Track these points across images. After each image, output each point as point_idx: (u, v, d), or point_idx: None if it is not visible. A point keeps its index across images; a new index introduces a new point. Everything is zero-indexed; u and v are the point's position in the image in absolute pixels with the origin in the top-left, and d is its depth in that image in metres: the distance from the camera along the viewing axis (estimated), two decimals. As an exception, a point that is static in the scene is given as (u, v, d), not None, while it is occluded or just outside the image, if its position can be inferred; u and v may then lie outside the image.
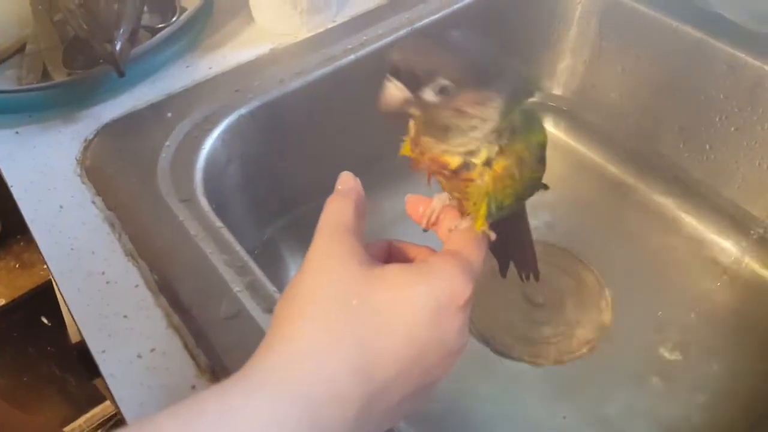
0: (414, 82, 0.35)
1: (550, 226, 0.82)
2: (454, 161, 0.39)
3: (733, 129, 0.76)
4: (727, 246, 0.80)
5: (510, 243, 0.51)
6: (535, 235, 0.75)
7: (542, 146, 0.42)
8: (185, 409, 0.31)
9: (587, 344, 0.72)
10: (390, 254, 0.44)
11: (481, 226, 0.41)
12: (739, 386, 0.68)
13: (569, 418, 0.66)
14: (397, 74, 0.35)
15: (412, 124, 0.41)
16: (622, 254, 0.80)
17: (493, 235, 0.43)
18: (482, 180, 0.39)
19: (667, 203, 0.84)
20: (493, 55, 0.37)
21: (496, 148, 0.38)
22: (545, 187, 0.46)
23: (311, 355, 0.34)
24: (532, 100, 0.41)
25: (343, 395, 0.33)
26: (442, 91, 0.35)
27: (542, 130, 0.42)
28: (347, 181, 0.42)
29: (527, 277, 0.55)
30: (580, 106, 0.93)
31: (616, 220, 0.85)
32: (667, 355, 0.71)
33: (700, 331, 0.72)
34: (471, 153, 0.38)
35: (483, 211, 0.40)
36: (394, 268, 0.37)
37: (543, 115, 0.95)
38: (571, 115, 0.94)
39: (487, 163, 0.38)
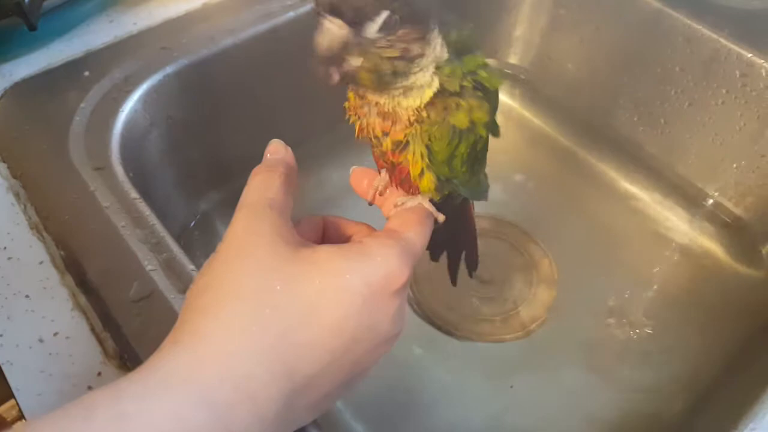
0: (355, 16, 0.31)
1: (501, 199, 0.79)
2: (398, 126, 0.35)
3: (687, 103, 0.74)
4: (678, 223, 0.78)
5: (458, 235, 0.47)
6: (485, 208, 0.73)
7: (491, 94, 0.37)
8: (70, 414, 0.27)
9: (534, 321, 0.69)
10: (325, 231, 0.41)
11: (424, 189, 0.38)
12: (684, 364, 0.66)
13: (516, 391, 0.64)
14: (335, 10, 0.31)
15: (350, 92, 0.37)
16: (574, 229, 0.78)
17: (441, 216, 0.40)
18: (422, 124, 0.35)
19: (621, 178, 0.82)
20: None
21: (436, 86, 0.34)
22: (496, 132, 0.41)
23: (221, 354, 0.30)
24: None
25: (259, 395, 0.30)
26: (387, 25, 0.31)
27: (497, 81, 0.38)
28: (277, 150, 0.38)
29: (470, 270, 0.51)
30: (536, 75, 0.90)
31: (569, 194, 0.82)
32: (614, 331, 0.69)
33: (649, 308, 0.71)
34: (416, 89, 0.34)
35: (419, 167, 0.37)
36: (324, 250, 0.33)
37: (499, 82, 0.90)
38: (527, 84, 0.91)
39: (430, 103, 0.35)
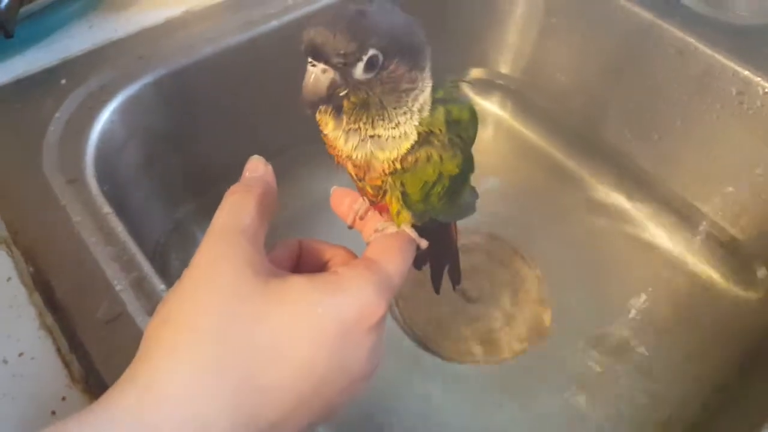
0: (342, 61, 0.30)
1: (490, 212, 0.78)
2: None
3: (681, 118, 0.72)
4: (671, 240, 0.76)
5: (440, 250, 0.46)
6: (471, 220, 0.71)
7: (465, 131, 0.36)
8: None
9: (522, 342, 0.68)
10: (301, 256, 0.39)
11: (401, 224, 0.37)
12: (674, 389, 0.65)
13: (500, 414, 0.63)
14: (319, 55, 0.30)
15: (322, 119, 0.35)
16: (563, 245, 0.76)
17: (424, 243, 0.38)
18: (393, 177, 0.34)
19: (612, 192, 0.80)
20: (413, 25, 0.33)
21: (420, 129, 0.33)
22: (475, 194, 0.41)
23: (178, 398, 0.28)
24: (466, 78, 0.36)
25: None
26: (371, 64, 0.30)
27: (472, 117, 0.37)
28: (256, 168, 0.37)
29: (453, 284, 0.50)
30: (526, 86, 0.88)
31: (559, 208, 0.81)
32: (601, 355, 0.67)
33: (639, 330, 0.69)
34: (393, 139, 0.33)
35: (396, 207, 0.36)
36: (295, 282, 0.32)
37: (489, 95, 0.89)
38: (517, 95, 0.89)
39: (412, 149, 0.34)
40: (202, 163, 0.70)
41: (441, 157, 0.34)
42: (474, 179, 0.40)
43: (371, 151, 0.34)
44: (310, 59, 0.31)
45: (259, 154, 0.38)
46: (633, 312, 0.70)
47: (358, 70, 0.31)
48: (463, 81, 0.36)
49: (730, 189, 0.71)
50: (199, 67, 0.64)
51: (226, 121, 0.70)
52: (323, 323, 0.31)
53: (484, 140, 0.86)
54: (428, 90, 0.33)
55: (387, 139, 0.33)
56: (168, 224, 0.71)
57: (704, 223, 0.74)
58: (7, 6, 0.59)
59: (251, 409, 0.29)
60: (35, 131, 0.57)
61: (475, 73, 0.90)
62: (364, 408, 0.62)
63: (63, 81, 0.62)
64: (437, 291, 0.50)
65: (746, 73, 0.65)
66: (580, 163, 0.83)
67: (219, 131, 0.70)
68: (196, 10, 0.70)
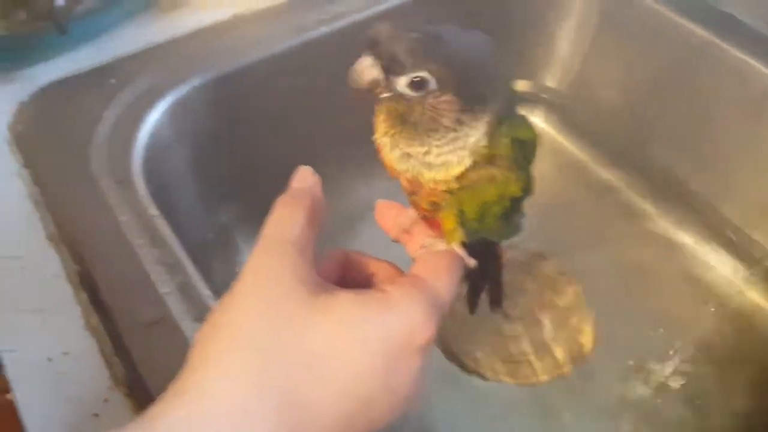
0: (390, 65, 0.30)
1: (532, 228, 0.76)
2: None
3: (736, 141, 0.70)
4: (722, 270, 0.73)
5: (484, 269, 0.45)
6: (515, 238, 0.70)
7: (529, 152, 0.36)
8: None
9: (560, 367, 0.66)
10: (346, 268, 0.38)
11: (453, 242, 0.36)
12: (717, 426, 0.62)
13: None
14: (374, 48, 0.30)
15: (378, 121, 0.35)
16: (607, 268, 0.74)
17: (472, 262, 0.37)
18: (452, 195, 0.34)
19: (660, 215, 0.78)
20: (490, 61, 0.32)
21: (483, 152, 0.33)
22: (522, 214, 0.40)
23: (224, 415, 0.28)
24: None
25: None
26: (417, 85, 0.30)
27: (535, 137, 0.36)
28: (304, 178, 0.36)
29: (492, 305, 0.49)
30: (573, 101, 0.86)
31: (604, 228, 0.78)
32: (643, 385, 0.65)
33: (683, 362, 0.67)
34: (438, 165, 0.33)
35: (451, 225, 0.35)
36: (343, 299, 0.31)
37: (534, 109, 0.88)
38: (563, 110, 0.87)
39: (462, 176, 0.33)
40: (247, 167, 0.70)
41: (505, 178, 0.33)
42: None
43: (418, 170, 0.33)
44: (366, 49, 0.30)
45: (304, 160, 0.37)
46: (677, 342, 0.68)
47: (401, 83, 0.30)
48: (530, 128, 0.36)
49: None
50: (247, 71, 0.65)
51: (272, 127, 0.70)
52: (371, 342, 0.30)
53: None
54: (474, 138, 0.32)
55: (432, 162, 0.33)
56: (211, 228, 0.71)
57: (758, 252, 0.71)
58: (64, 4, 0.60)
59: (293, 425, 0.28)
60: (84, 129, 0.58)
61: (521, 85, 0.88)
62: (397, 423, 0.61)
63: (112, 80, 0.62)
64: (472, 311, 0.50)
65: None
66: (626, 183, 0.81)
67: (265, 136, 0.70)
68: (245, 14, 0.70)
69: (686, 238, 0.76)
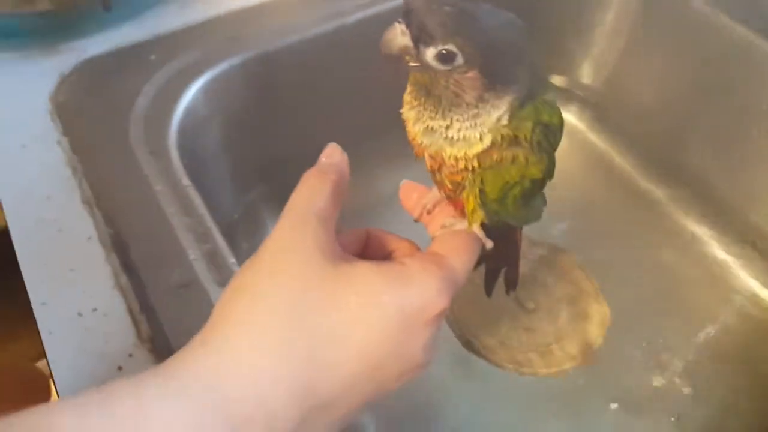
0: (420, 35, 0.31)
1: (557, 224, 0.76)
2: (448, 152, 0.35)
3: (768, 147, 0.69)
4: (746, 276, 0.72)
5: (501, 253, 0.46)
6: (537, 232, 0.70)
7: (552, 135, 0.36)
8: (90, 403, 0.27)
9: (572, 360, 0.66)
10: (367, 245, 0.39)
11: (473, 223, 0.37)
12: (727, 421, 0.62)
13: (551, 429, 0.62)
14: (407, 18, 0.31)
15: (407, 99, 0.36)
16: (629, 267, 0.74)
17: (489, 243, 0.38)
18: (473, 174, 0.35)
19: (687, 218, 0.77)
20: (519, 43, 0.33)
21: (504, 132, 0.34)
22: (544, 201, 0.41)
23: (247, 368, 0.29)
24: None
25: (275, 414, 0.29)
26: (444, 58, 0.31)
27: (560, 123, 0.37)
28: (332, 154, 0.37)
29: (507, 288, 0.50)
30: (608, 99, 0.86)
31: (629, 228, 0.78)
32: (654, 383, 0.65)
33: (696, 364, 0.66)
34: (461, 141, 0.34)
35: (472, 205, 0.36)
36: (363, 268, 0.32)
37: (567, 105, 0.88)
38: (597, 107, 0.87)
39: (483, 153, 0.34)
40: (277, 147, 0.72)
41: (527, 159, 0.34)
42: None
43: (440, 145, 0.34)
44: (400, 18, 0.31)
45: (334, 141, 0.39)
46: (695, 345, 0.68)
47: (429, 54, 0.31)
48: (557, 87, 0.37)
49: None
50: (284, 52, 0.66)
51: (304, 109, 0.72)
52: (386, 311, 0.31)
53: (558, 151, 0.84)
54: (494, 116, 0.33)
55: (453, 137, 0.34)
56: (239, 205, 0.73)
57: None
58: (108, -19, 0.62)
59: (308, 381, 0.30)
60: (124, 102, 0.60)
61: (556, 80, 0.88)
62: (413, 405, 0.62)
63: (152, 57, 0.64)
64: (489, 294, 0.50)
65: None
66: (656, 183, 0.80)
67: (296, 118, 0.72)
68: (287, -3, 0.72)
69: (711, 240, 0.76)
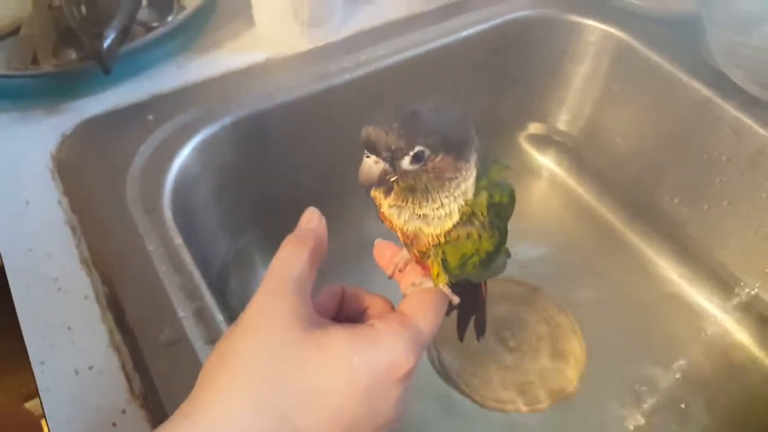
0: (393, 155, 0.35)
1: (535, 263, 0.79)
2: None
3: (731, 192, 0.73)
4: (713, 310, 0.77)
5: (469, 302, 0.49)
6: (518, 272, 0.73)
7: (504, 211, 0.40)
8: None
9: (553, 396, 0.69)
10: (343, 301, 0.42)
11: (439, 283, 0.40)
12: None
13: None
14: (373, 149, 0.35)
15: (377, 196, 0.40)
16: (604, 304, 0.77)
17: (456, 299, 0.42)
18: (436, 248, 0.38)
19: (658, 257, 0.82)
20: (460, 119, 0.37)
21: (465, 210, 0.37)
22: (507, 254, 0.45)
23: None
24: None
25: None
26: (417, 158, 0.35)
27: (511, 200, 0.40)
28: (311, 219, 0.41)
29: (477, 334, 0.53)
30: (583, 145, 0.90)
31: (604, 267, 0.82)
32: (633, 417, 0.68)
33: (673, 394, 0.70)
34: (438, 219, 0.37)
35: (437, 270, 0.39)
36: (336, 333, 0.35)
37: (546, 150, 0.92)
38: (573, 153, 0.91)
39: (455, 227, 0.38)
40: (268, 196, 0.75)
41: (480, 236, 0.38)
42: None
43: (419, 227, 0.38)
44: (365, 151, 0.35)
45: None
46: (667, 377, 0.71)
47: (405, 162, 0.35)
48: (507, 167, 0.41)
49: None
50: (275, 111, 0.69)
51: (293, 162, 0.75)
52: (357, 373, 0.34)
53: (538, 194, 0.88)
54: (472, 178, 0.37)
55: (433, 218, 0.37)
56: (231, 250, 0.75)
57: (747, 294, 0.74)
58: (109, 46, 0.65)
59: None
60: (122, 162, 0.63)
61: (534, 127, 0.92)
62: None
63: (150, 117, 0.67)
64: (461, 339, 0.54)
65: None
66: (630, 225, 0.84)
67: (286, 170, 0.75)
68: (277, 59, 0.75)
69: (681, 278, 0.80)
